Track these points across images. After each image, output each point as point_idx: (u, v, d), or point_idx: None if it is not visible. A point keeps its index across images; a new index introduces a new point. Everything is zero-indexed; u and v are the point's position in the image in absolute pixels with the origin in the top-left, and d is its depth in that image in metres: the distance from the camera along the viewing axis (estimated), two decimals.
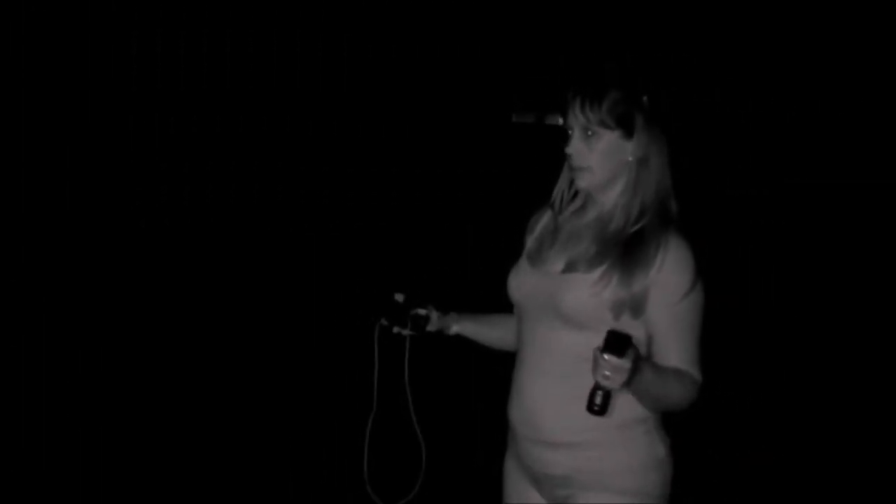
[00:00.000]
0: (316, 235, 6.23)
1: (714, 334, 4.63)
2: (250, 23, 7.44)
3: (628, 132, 1.65)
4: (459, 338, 1.94)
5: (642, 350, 1.62)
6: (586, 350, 1.58)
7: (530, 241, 1.82)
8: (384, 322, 1.82)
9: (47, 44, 6.81)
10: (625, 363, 1.46)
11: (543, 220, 1.83)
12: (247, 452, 3.54)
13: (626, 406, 1.63)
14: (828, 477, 3.40)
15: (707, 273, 1.62)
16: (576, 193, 1.77)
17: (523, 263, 1.79)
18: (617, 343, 1.48)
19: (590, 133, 1.65)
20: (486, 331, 1.95)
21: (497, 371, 1.91)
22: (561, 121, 1.68)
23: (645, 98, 1.66)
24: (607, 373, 1.47)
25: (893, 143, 6.43)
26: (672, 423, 3.62)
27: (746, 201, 6.80)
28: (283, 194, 7.01)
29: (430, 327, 1.85)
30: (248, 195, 6.96)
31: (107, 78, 6.96)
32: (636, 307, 1.60)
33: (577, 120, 1.66)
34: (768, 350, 4.79)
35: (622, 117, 1.64)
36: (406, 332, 1.82)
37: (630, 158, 1.67)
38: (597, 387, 1.50)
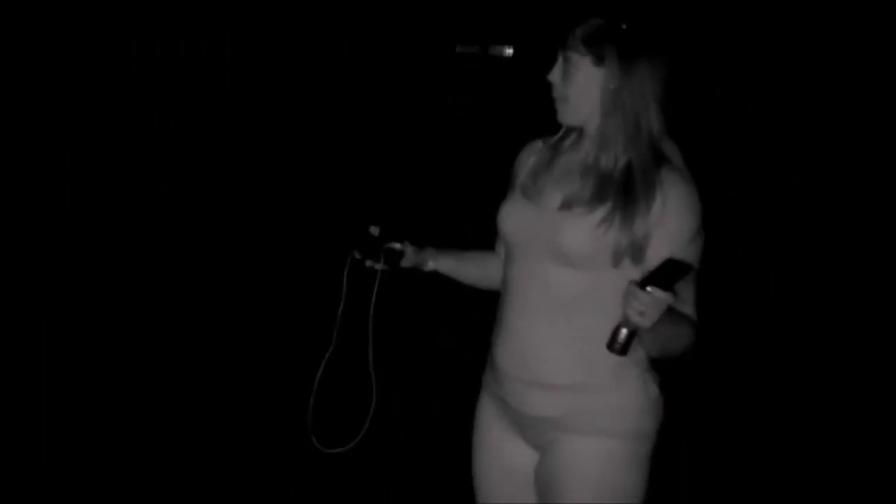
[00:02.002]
0: (316, 235, 6.22)
1: (714, 334, 4.64)
2: (250, 23, 7.44)
3: (599, 58, 1.55)
4: (435, 275, 1.86)
5: None
6: (584, 289, 1.54)
7: (524, 174, 1.73)
8: (356, 255, 1.74)
9: (47, 44, 6.81)
10: (668, 298, 1.38)
11: (537, 152, 1.75)
12: (217, 408, 3.59)
13: None
14: (828, 477, 3.40)
15: (707, 273, 1.59)
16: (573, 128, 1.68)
17: (517, 196, 1.70)
18: (671, 274, 1.39)
19: (566, 60, 1.58)
20: (465, 267, 1.87)
21: (469, 316, 1.82)
22: (508, 51, 1.58)
23: (624, 25, 1.56)
24: (643, 308, 1.38)
25: (893, 143, 6.43)
26: (672, 423, 3.63)
27: (746, 201, 6.81)
28: (282, 194, 7.01)
29: (405, 263, 1.76)
30: (248, 195, 6.96)
31: (107, 78, 6.96)
32: (637, 253, 1.52)
33: (560, 55, 1.60)
34: (768, 350, 4.79)
35: (591, 41, 1.55)
36: (379, 265, 1.73)
37: (603, 88, 1.57)
38: (623, 324, 1.42)
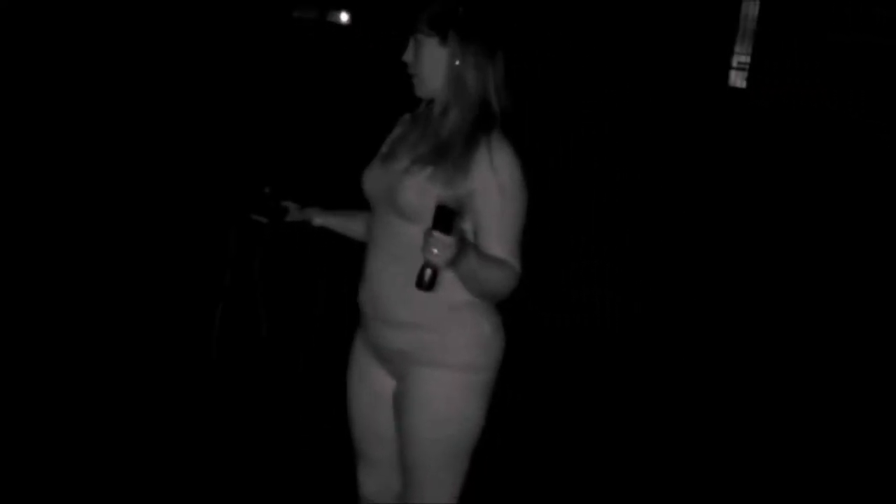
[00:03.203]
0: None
1: (714, 333, 4.64)
2: (249, 22, 7.43)
3: (443, 39, 1.80)
4: (324, 230, 2.17)
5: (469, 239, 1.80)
6: (419, 239, 1.69)
7: (387, 143, 1.99)
8: (247, 212, 2.01)
9: (47, 43, 6.80)
10: (450, 240, 1.60)
11: (403, 124, 2.00)
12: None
13: (455, 289, 1.80)
14: (827, 477, 3.39)
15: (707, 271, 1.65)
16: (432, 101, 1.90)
17: (376, 161, 1.96)
18: (444, 219, 1.60)
19: (416, 40, 1.82)
20: (350, 223, 2.14)
21: (354, 264, 2.07)
22: (344, 17, 1.78)
23: (461, 9, 1.80)
24: (435, 250, 1.60)
25: None
26: (670, 424, 3.63)
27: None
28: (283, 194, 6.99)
29: (290, 218, 2.04)
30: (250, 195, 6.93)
31: (107, 78, 6.95)
32: (460, 205, 1.75)
33: (410, 39, 1.85)
34: (766, 349, 4.78)
35: (434, 23, 1.79)
36: (264, 219, 1.99)
37: (448, 65, 1.81)
38: (426, 264, 1.63)
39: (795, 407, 4.00)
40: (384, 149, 1.98)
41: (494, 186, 1.76)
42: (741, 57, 8.89)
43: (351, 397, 2.10)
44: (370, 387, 2.04)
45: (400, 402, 1.94)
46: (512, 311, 1.97)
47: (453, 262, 1.65)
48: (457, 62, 1.79)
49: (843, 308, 5.26)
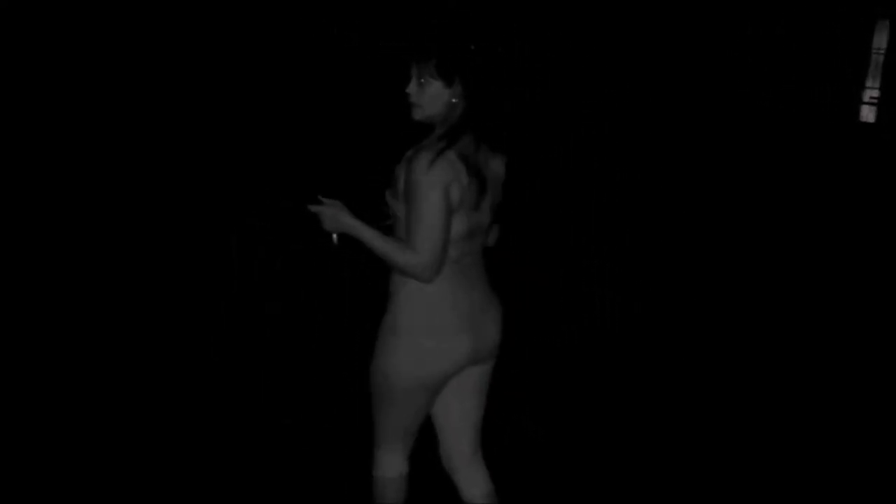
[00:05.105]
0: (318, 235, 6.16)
1: (714, 333, 4.65)
2: (252, 22, 7.43)
3: (448, 83, 2.15)
4: None
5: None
6: (399, 231, 2.19)
7: None
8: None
9: (47, 43, 6.78)
10: (317, 208, 2.16)
11: None
12: None
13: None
14: (827, 476, 3.39)
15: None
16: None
17: None
18: (314, 198, 2.14)
19: (422, 81, 2.17)
20: None
21: None
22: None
23: (472, 51, 2.14)
24: (321, 219, 2.17)
25: None
26: (670, 424, 3.64)
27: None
28: (283, 194, 6.99)
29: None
30: (251, 195, 6.95)
31: (106, 78, 6.93)
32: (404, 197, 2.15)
33: (413, 71, 2.19)
34: (766, 349, 4.78)
35: (443, 71, 2.14)
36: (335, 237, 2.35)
37: (446, 101, 2.17)
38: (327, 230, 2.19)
39: (795, 406, 3.99)
40: None
41: (401, 189, 2.15)
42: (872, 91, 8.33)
43: None
44: None
45: None
46: (512, 311, 1.98)
47: (345, 231, 2.16)
48: (454, 101, 2.17)
49: (844, 308, 5.26)
